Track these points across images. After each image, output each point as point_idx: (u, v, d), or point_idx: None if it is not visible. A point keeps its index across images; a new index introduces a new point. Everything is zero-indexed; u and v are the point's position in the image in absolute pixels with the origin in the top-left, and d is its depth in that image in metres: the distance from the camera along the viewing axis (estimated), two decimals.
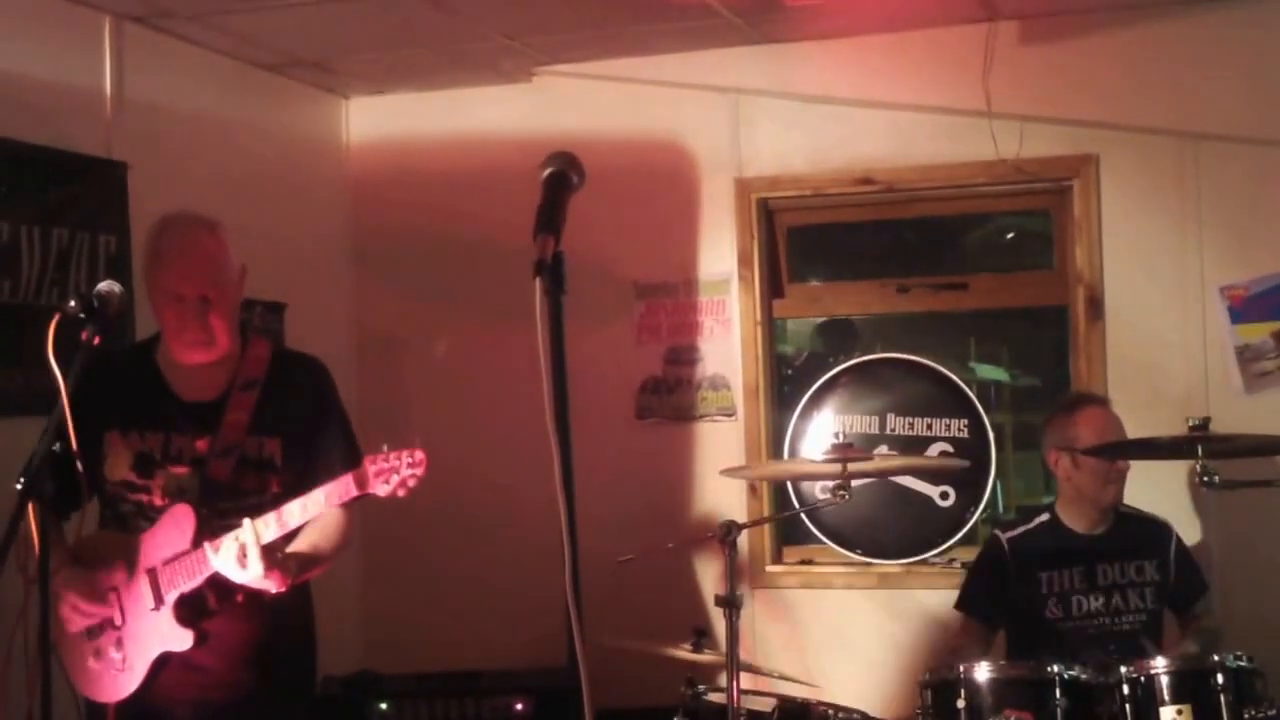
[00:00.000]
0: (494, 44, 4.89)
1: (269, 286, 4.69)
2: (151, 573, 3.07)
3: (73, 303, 2.93)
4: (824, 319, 5.59)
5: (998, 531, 4.19)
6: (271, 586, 3.02)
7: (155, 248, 3.18)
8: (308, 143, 5.42)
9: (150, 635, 3.08)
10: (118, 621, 3.12)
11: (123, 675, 3.11)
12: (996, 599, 4.10)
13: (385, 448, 2.90)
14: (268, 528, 2.95)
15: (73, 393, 2.87)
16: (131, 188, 4.26)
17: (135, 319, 3.76)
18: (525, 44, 4.95)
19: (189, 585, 3.03)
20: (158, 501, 3.15)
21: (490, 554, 5.25)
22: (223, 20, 4.49)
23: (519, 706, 4.63)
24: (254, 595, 3.10)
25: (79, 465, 2.96)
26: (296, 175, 5.26)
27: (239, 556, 2.92)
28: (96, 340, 2.91)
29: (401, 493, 2.88)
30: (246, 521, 2.94)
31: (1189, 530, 4.36)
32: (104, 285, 2.99)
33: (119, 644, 3.11)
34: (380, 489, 2.88)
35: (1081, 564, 4.05)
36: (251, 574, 2.94)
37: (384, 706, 4.68)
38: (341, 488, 2.93)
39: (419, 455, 2.87)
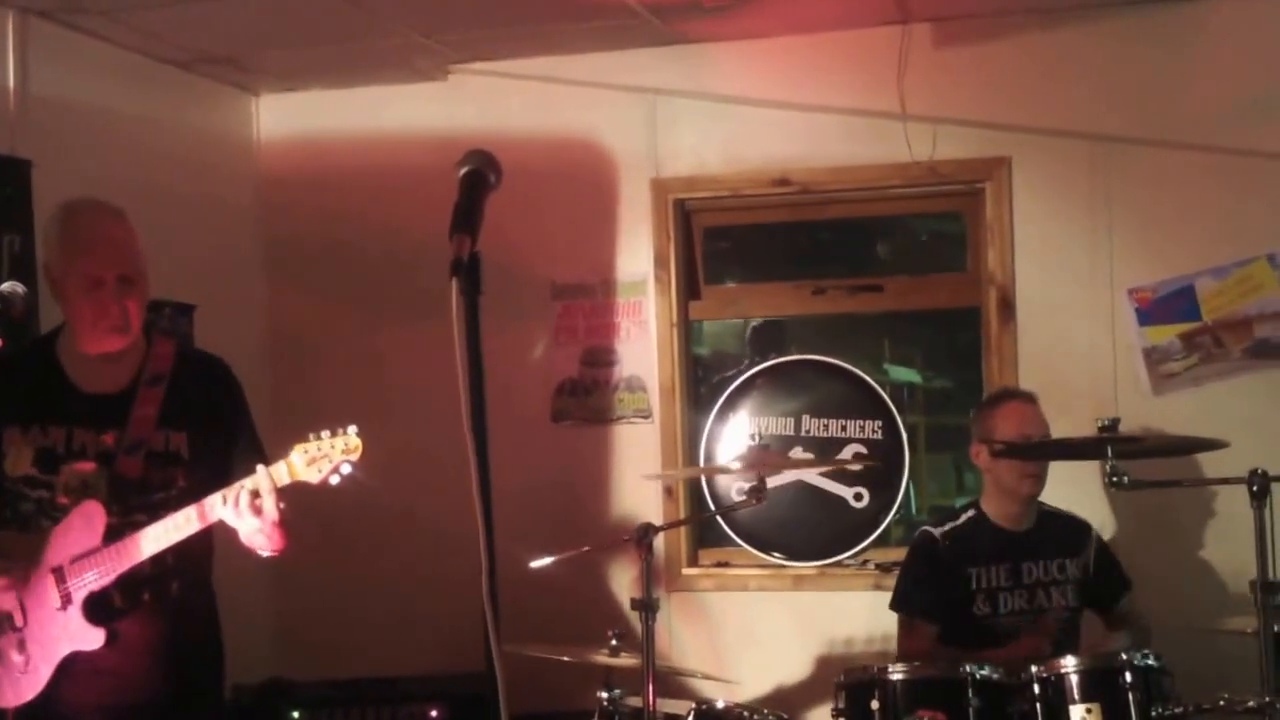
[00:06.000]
0: (408, 41, 4.85)
1: (178, 287, 4.62)
2: (58, 571, 3.02)
3: None
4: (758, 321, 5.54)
5: (928, 528, 4.20)
6: (270, 546, 3.04)
7: (68, 235, 3.13)
8: (217, 140, 5.32)
9: (57, 636, 3.02)
10: (19, 622, 3.06)
11: (25, 678, 3.05)
12: (937, 595, 4.11)
13: (312, 435, 2.92)
14: (280, 475, 2.94)
15: None
16: (36, 186, 4.15)
17: (40, 320, 3.68)
18: (440, 41, 4.91)
19: (100, 583, 2.99)
20: (60, 499, 3.10)
21: (404, 558, 5.20)
22: (131, 15, 4.40)
23: (434, 713, 4.59)
24: (160, 595, 3.09)
25: None
26: (206, 174, 5.16)
27: (251, 502, 2.91)
28: (0, 342, 2.85)
29: (335, 479, 2.90)
30: (261, 468, 2.94)
31: (1099, 529, 4.41)
32: (7, 286, 2.96)
33: (20, 646, 3.06)
34: (312, 476, 2.89)
35: (1008, 561, 4.09)
36: (266, 519, 2.94)
37: (296, 715, 4.62)
38: (280, 471, 2.94)
39: (354, 442, 2.90)
